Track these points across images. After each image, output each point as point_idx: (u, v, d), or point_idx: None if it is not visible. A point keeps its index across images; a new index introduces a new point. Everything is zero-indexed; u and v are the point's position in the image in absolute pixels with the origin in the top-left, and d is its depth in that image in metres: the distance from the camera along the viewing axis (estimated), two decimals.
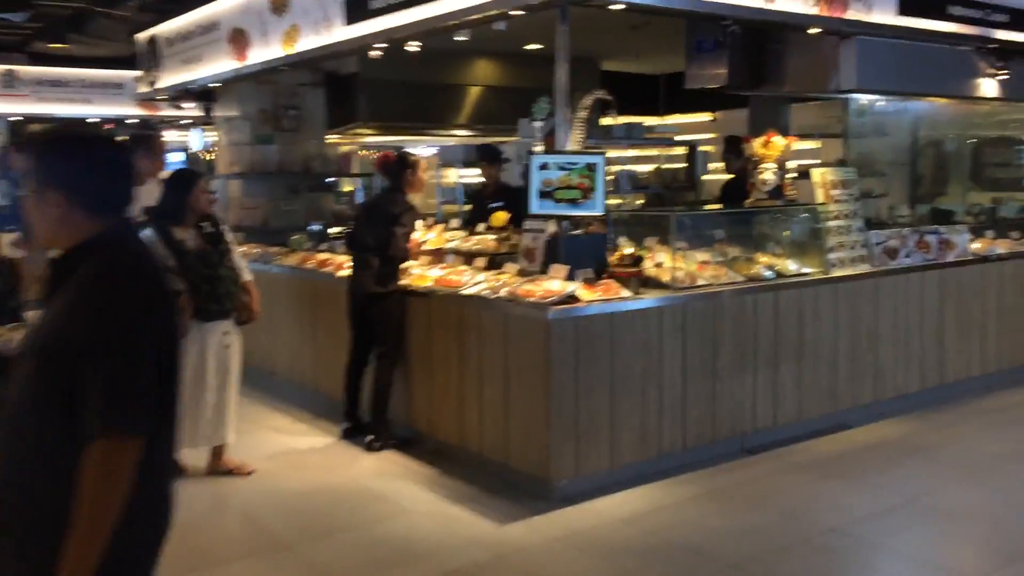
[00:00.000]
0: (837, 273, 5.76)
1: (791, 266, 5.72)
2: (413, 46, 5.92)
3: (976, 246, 6.78)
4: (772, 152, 5.92)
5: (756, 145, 5.97)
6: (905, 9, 6.15)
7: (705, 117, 15.88)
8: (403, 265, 5.48)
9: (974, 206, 8.29)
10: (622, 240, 5.53)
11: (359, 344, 5.61)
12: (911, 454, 5.27)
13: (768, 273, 5.55)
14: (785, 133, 6.50)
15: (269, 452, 5.39)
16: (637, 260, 5.08)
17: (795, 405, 5.55)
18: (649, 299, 4.88)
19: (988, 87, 7.10)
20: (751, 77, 6.66)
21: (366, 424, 5.54)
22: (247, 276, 5.12)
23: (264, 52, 7.10)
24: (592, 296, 4.70)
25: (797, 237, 6.10)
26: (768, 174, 5.90)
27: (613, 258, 5.10)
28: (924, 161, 10.58)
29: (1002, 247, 6.91)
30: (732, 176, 7.62)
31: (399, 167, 5.59)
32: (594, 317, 4.63)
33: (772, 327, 5.41)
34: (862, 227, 6.06)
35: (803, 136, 10.28)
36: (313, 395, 6.39)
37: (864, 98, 6.89)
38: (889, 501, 4.56)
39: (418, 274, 5.47)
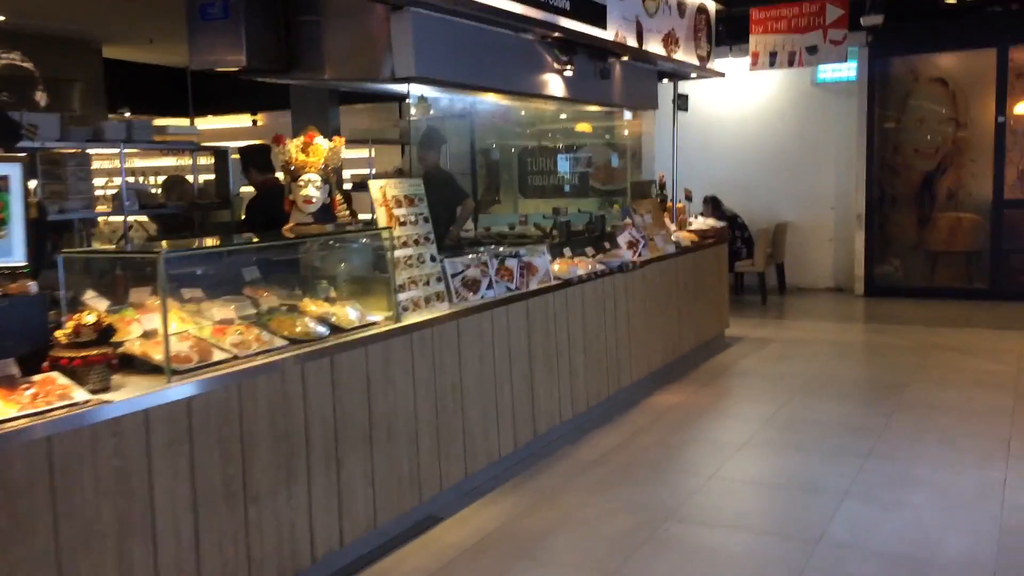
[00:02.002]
0: (411, 319, 4.34)
1: (351, 314, 4.16)
2: None
3: (556, 268, 5.87)
4: (315, 159, 4.30)
5: (293, 149, 4.30)
6: None
7: (245, 121, 14.02)
8: None
9: (547, 217, 7.52)
10: (89, 298, 3.51)
11: None
12: (521, 557, 4.00)
13: (321, 329, 3.92)
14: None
15: None
16: (106, 332, 3.12)
17: (368, 509, 4.00)
18: (126, 398, 2.96)
19: (555, 84, 6.27)
20: (279, 60, 5.01)
21: None
22: None
23: None
24: (14, 409, 2.66)
25: (357, 273, 4.58)
26: (311, 188, 4.28)
27: (63, 333, 3.09)
28: (480, 171, 9.92)
29: (582, 267, 6.09)
30: (256, 194, 5.93)
31: None
32: (17, 448, 2.60)
33: (330, 406, 3.79)
34: (435, 255, 4.72)
35: (356, 143, 8.96)
36: None
37: (421, 91, 5.60)
38: None
39: None
